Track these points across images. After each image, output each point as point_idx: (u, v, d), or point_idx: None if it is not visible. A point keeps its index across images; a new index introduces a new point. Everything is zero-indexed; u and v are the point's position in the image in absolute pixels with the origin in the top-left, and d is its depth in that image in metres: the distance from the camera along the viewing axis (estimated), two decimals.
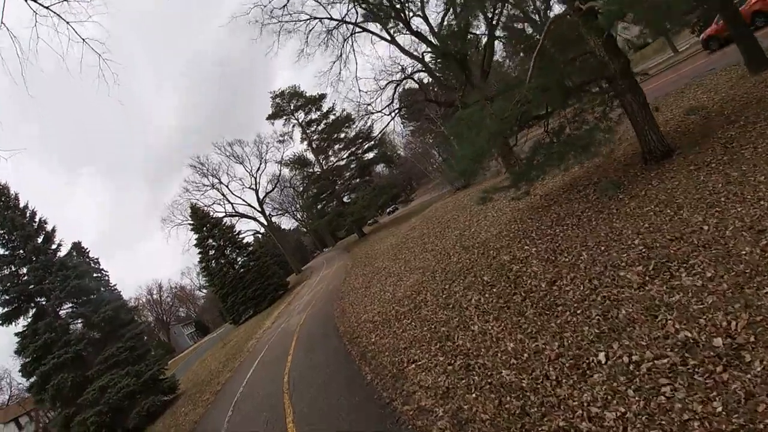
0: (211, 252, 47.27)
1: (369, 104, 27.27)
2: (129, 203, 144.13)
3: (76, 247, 56.23)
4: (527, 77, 10.16)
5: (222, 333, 54.48)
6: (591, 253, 7.30)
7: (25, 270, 21.73)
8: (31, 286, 21.22)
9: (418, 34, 24.00)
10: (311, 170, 53.52)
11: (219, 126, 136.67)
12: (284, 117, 54.70)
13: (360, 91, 27.59)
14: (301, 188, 59.22)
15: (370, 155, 52.76)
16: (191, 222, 49.60)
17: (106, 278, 57.43)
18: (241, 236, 50.78)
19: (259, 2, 25.41)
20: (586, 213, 9.15)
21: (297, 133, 56.04)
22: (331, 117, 53.20)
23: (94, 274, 57.33)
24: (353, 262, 31.03)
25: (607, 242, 7.37)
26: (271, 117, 55.39)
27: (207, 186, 60.83)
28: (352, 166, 52.21)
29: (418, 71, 27.06)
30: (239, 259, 48.01)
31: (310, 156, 54.04)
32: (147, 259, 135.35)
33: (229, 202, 62.88)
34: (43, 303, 21.63)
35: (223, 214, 60.96)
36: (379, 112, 27.13)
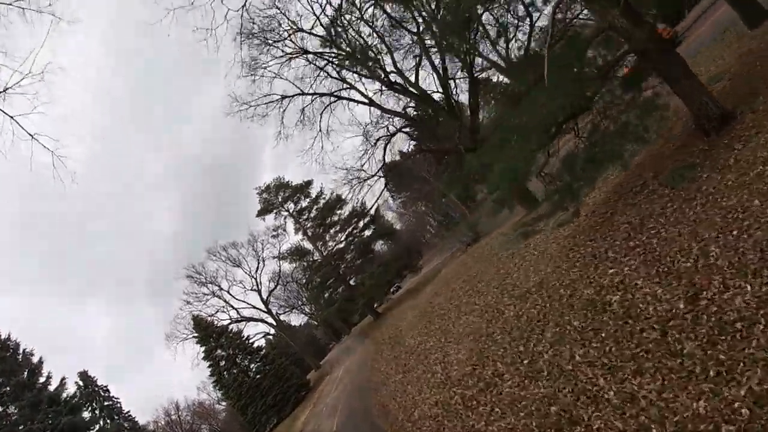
0: (222, 363, 43.85)
1: (360, 168, 25.55)
2: (136, 325, 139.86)
3: (83, 375, 52.78)
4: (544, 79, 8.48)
5: None
6: (721, 244, 5.09)
7: (13, 408, 18.93)
8: (21, 427, 18.30)
9: (397, 88, 22.83)
10: (311, 259, 51.27)
11: (213, 230, 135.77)
12: (274, 211, 53.14)
13: (344, 163, 26.03)
14: (304, 280, 56.54)
15: (368, 232, 50.82)
16: (196, 335, 46.54)
17: (118, 405, 53.48)
18: (250, 341, 47.59)
19: (230, 92, 24.68)
20: (671, 207, 7.10)
21: (290, 225, 54.29)
22: (321, 201, 51.74)
23: (105, 403, 53.73)
24: (376, 346, 28.21)
25: (732, 223, 5.32)
26: (261, 213, 53.78)
27: (207, 295, 58.04)
28: (352, 247, 50.04)
29: (405, 126, 25.66)
30: (252, 365, 44.51)
31: (308, 245, 51.98)
32: (161, 379, 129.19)
33: (233, 307, 59.92)
34: None
35: (228, 321, 58.00)
36: (371, 177, 25.36)
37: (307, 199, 52.35)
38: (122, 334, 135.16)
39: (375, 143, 25.10)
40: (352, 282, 48.99)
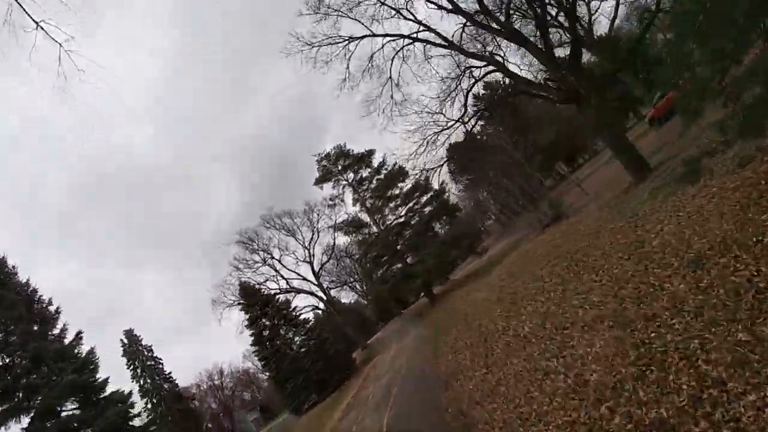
0: (265, 332, 41.63)
1: (439, 112, 21.68)
2: (191, 293, 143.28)
3: (129, 334, 52.70)
4: None
5: (280, 427, 48.19)
6: None
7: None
8: (23, 380, 16.25)
9: (485, 24, 18.98)
10: (368, 232, 48.26)
11: (274, 201, 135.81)
12: (332, 179, 50.38)
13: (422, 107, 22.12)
14: (359, 254, 53.72)
15: (430, 209, 47.14)
16: (242, 302, 44.80)
17: (160, 366, 53.17)
18: (297, 313, 45.29)
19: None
20: None
21: (348, 195, 51.56)
22: (383, 172, 48.50)
23: (148, 363, 53.57)
24: (435, 329, 24.65)
25: None
26: (319, 181, 51.12)
27: (258, 262, 56.54)
28: (413, 222, 46.63)
29: (490, 72, 21.62)
30: (296, 338, 42.10)
31: (365, 217, 49.01)
32: (209, 345, 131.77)
33: (283, 277, 58.10)
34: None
35: (277, 290, 56.22)
36: (454, 124, 21.39)
37: (368, 169, 49.23)
38: (178, 301, 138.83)
39: (458, 83, 21.07)
40: (408, 260, 45.73)
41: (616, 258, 9.59)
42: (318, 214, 59.05)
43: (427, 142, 21.45)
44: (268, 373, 42.91)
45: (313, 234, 59.96)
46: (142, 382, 51.44)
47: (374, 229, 47.69)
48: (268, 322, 41.96)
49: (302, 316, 45.45)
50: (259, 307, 42.48)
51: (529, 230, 31.02)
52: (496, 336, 12.13)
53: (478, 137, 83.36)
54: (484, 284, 25.50)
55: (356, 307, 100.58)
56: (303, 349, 40.80)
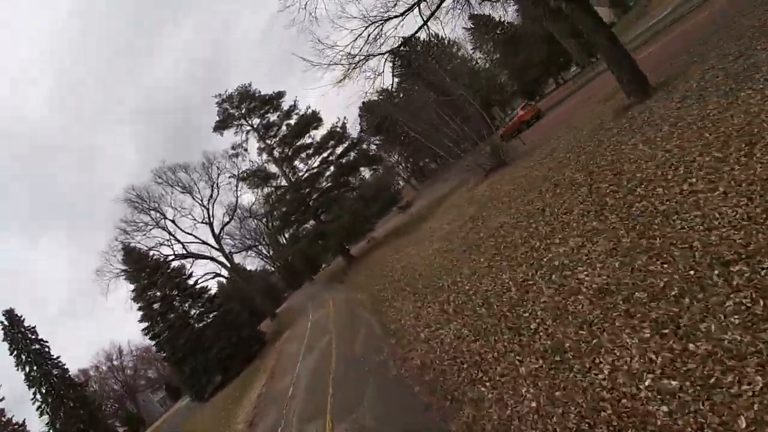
0: (156, 306, 34.34)
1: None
2: (88, 264, 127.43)
3: (9, 314, 42.65)
4: None
5: (177, 416, 41.39)
6: None
7: None
8: None
9: None
10: (275, 185, 41.62)
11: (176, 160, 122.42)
12: (235, 125, 42.87)
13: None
14: (264, 212, 46.73)
15: (347, 159, 41.29)
16: (125, 269, 37.01)
17: (46, 350, 43.55)
18: (195, 281, 38.04)
19: None
20: None
21: (253, 144, 44.61)
22: (294, 117, 41.88)
23: (33, 347, 43.93)
24: (371, 294, 19.11)
25: None
26: (219, 126, 43.17)
27: (148, 224, 48.00)
28: (327, 174, 40.74)
29: None
30: (194, 311, 35.03)
31: (273, 169, 42.37)
32: (107, 322, 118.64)
33: (179, 241, 50.01)
34: None
35: (172, 256, 48.25)
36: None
37: (277, 113, 42.26)
38: (75, 278, 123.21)
39: None
40: (322, 218, 39.95)
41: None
42: (218, 168, 51.25)
43: (369, 34, 15.60)
44: (162, 354, 35.46)
45: (212, 191, 52.05)
46: (27, 370, 42.10)
47: (283, 181, 41.25)
48: (158, 293, 34.48)
49: (201, 285, 38.13)
50: (147, 275, 34.87)
51: (471, 174, 26.11)
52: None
53: (395, 96, 78.79)
54: (419, 240, 20.51)
55: (263, 273, 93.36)
56: (202, 324, 33.97)
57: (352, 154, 41.08)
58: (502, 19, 64.26)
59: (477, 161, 24.20)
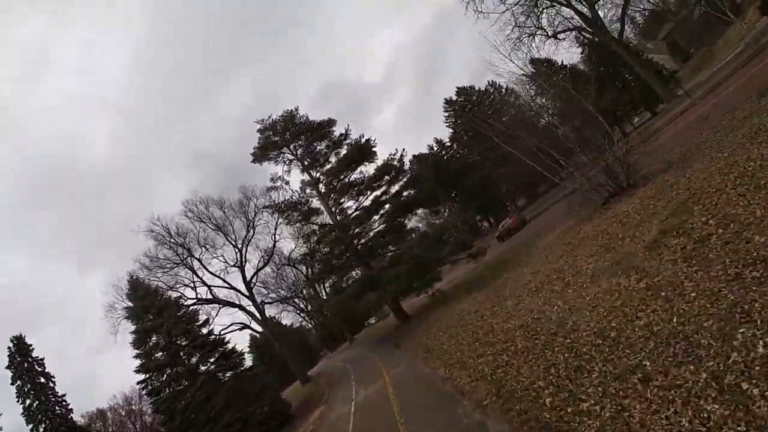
0: (157, 354, 26.94)
1: None
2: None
3: (18, 341, 38.26)
4: None
5: None
6: None
7: None
8: None
9: None
10: (319, 223, 34.46)
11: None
12: (276, 153, 36.71)
13: None
14: (304, 254, 38.87)
15: (406, 197, 33.94)
16: (127, 305, 29.89)
17: (52, 384, 38.05)
18: (210, 331, 30.26)
19: None
20: None
21: (296, 176, 37.88)
22: (345, 147, 35.30)
23: (38, 380, 37.54)
24: (444, 366, 12.14)
25: None
26: (258, 156, 36.76)
27: (173, 261, 41.57)
28: (382, 211, 33.38)
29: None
30: (203, 367, 27.27)
31: (317, 204, 35.47)
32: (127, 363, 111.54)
33: (205, 283, 43.18)
34: None
35: (194, 299, 41.37)
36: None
37: (325, 142, 35.80)
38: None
39: None
40: (373, 264, 32.29)
41: None
42: (256, 206, 44.92)
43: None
44: (160, 416, 27.61)
45: (248, 231, 45.58)
46: (28, 403, 36.05)
47: (328, 219, 34.19)
48: (162, 340, 27.15)
49: (218, 336, 30.42)
50: (154, 315, 27.74)
51: (580, 202, 18.36)
52: None
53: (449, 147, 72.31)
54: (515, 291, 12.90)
55: (299, 330, 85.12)
56: (212, 385, 26.08)
57: (411, 192, 33.86)
58: (564, 63, 57.72)
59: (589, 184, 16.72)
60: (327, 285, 35.80)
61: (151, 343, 27.04)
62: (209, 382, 25.70)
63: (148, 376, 27.01)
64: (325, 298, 36.12)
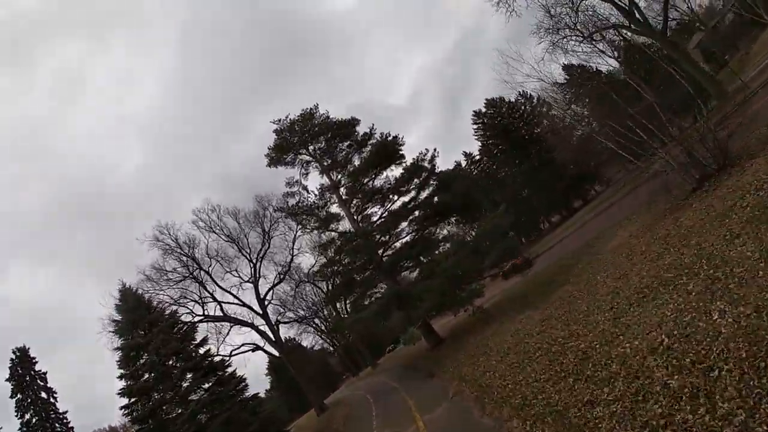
0: (143, 374, 22.31)
1: None
2: None
3: (21, 353, 34.65)
4: None
5: None
6: None
7: None
8: None
9: None
10: (338, 230, 29.93)
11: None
12: (293, 155, 32.54)
13: None
14: (321, 267, 33.77)
15: (439, 201, 29.23)
16: (116, 318, 25.12)
17: (53, 400, 34.18)
18: (208, 351, 25.44)
19: None
20: None
21: (315, 180, 33.36)
22: (368, 147, 30.92)
23: (40, 394, 33.68)
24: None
25: None
26: (274, 160, 32.74)
27: (182, 275, 37.31)
28: (413, 216, 28.73)
29: None
30: (195, 395, 22.40)
31: (336, 209, 31.05)
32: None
33: (215, 299, 38.83)
34: None
35: (202, 316, 36.95)
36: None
37: (348, 142, 31.55)
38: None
39: None
40: (399, 278, 27.53)
41: None
42: (272, 216, 40.59)
43: None
44: None
45: (263, 244, 41.28)
46: (27, 418, 32.48)
47: (349, 226, 29.67)
48: (150, 359, 22.52)
49: (218, 357, 25.64)
50: (144, 330, 23.27)
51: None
52: None
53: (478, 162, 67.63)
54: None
55: (319, 353, 79.91)
56: (203, 415, 21.28)
57: (443, 196, 29.12)
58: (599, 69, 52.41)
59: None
60: (348, 303, 31.05)
61: (139, 363, 22.51)
62: (201, 410, 20.97)
63: (133, 400, 22.41)
64: (345, 316, 30.81)
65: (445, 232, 32.38)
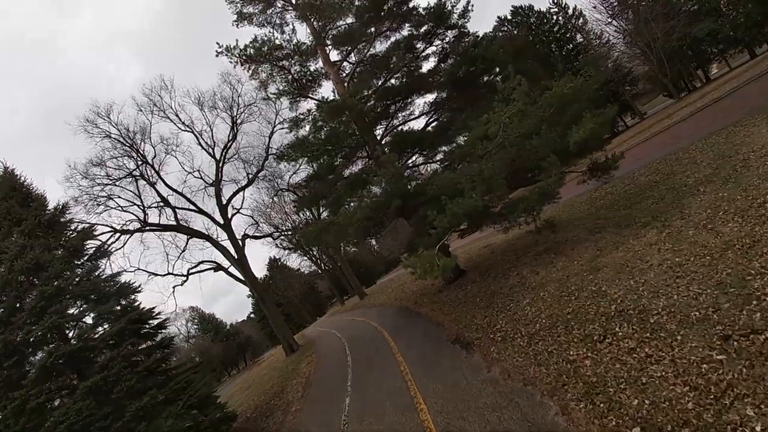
0: None
1: None
2: None
3: None
4: None
5: None
6: None
7: None
8: None
9: None
10: (319, 99, 19.57)
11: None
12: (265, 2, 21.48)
13: None
14: (290, 146, 22.54)
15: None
16: None
17: None
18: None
19: None
20: None
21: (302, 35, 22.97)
22: None
23: None
24: None
25: None
26: (240, 17, 21.79)
27: (123, 170, 27.21)
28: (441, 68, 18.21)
29: None
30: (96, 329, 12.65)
31: (318, 65, 20.55)
32: None
33: (168, 204, 29.01)
34: None
35: (141, 223, 27.34)
36: None
37: None
38: None
39: None
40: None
41: None
42: (241, 92, 30.01)
43: None
44: None
45: (230, 134, 30.89)
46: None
47: (334, 92, 19.17)
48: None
49: (126, 284, 15.30)
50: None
51: None
52: None
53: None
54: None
55: (306, 277, 70.85)
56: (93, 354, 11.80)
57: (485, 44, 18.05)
58: None
59: None
60: (324, 207, 21.36)
61: None
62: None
63: None
64: (333, 209, 19.82)
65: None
